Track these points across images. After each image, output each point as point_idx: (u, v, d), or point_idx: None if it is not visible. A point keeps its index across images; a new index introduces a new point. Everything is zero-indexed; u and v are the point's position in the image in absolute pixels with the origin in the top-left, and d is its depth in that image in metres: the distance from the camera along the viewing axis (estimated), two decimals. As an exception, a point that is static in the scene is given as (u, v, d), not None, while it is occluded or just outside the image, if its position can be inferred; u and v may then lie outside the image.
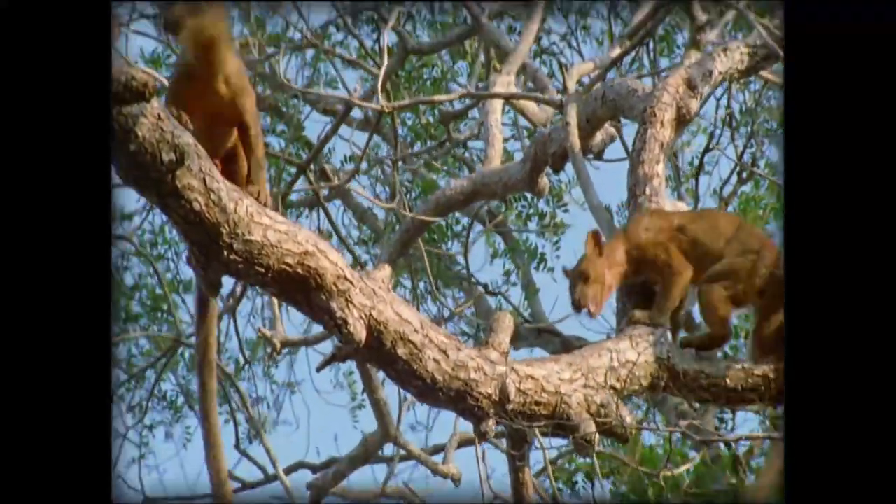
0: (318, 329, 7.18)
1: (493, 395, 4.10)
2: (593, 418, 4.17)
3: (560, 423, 4.15)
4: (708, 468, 7.78)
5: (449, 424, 7.34)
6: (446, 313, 8.36)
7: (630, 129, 5.66)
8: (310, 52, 9.29)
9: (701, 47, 5.72)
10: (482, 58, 8.59)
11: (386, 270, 4.15)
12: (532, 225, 9.11)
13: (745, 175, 9.10)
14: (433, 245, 8.85)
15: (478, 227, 8.82)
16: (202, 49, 3.93)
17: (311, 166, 7.74)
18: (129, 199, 9.42)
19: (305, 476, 8.11)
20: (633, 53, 8.12)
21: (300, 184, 8.23)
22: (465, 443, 7.29)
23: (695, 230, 4.46)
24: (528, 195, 8.64)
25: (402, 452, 7.64)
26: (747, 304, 4.41)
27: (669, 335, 4.39)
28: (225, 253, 3.86)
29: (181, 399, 9.47)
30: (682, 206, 5.09)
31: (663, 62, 8.24)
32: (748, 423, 8.61)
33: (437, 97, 7.53)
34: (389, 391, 7.49)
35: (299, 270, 3.93)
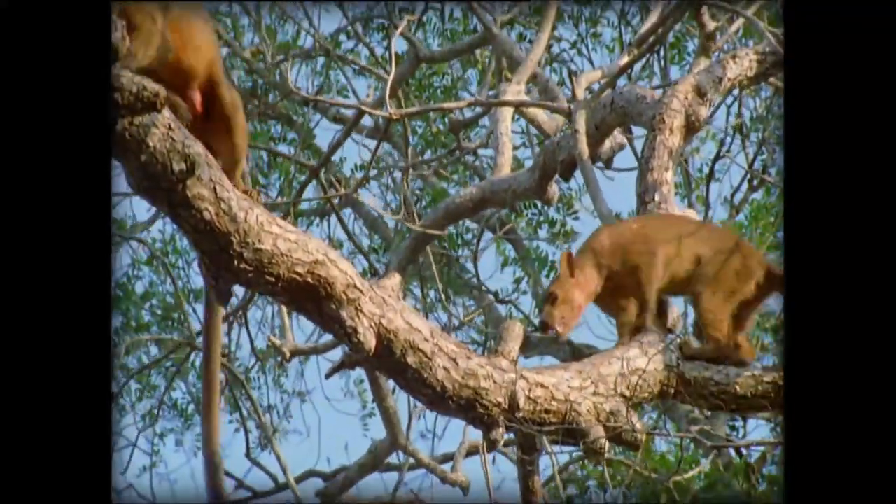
0: (327, 338, 7.21)
1: (503, 404, 4.11)
2: (603, 425, 4.17)
3: (570, 431, 4.16)
4: (720, 475, 7.77)
5: (459, 433, 7.35)
6: (456, 322, 8.37)
7: (641, 138, 5.67)
8: (321, 61, 9.30)
9: (710, 54, 5.72)
10: (493, 66, 8.60)
11: (396, 279, 4.15)
12: (542, 233, 9.12)
13: (755, 182, 9.09)
14: (444, 253, 8.85)
15: (488, 235, 8.83)
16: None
17: (322, 175, 7.74)
18: (139, 208, 9.46)
19: (316, 485, 8.12)
20: (643, 61, 8.13)
21: (311, 192, 8.23)
22: (474, 451, 7.29)
23: (656, 236, 4.46)
24: (538, 203, 8.64)
25: (411, 461, 7.64)
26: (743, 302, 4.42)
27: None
28: (235, 262, 3.87)
29: (191, 407, 9.48)
30: (692, 214, 5.09)
31: (674, 70, 8.25)
32: (759, 430, 8.61)
33: (446, 105, 7.54)
34: (399, 399, 7.50)
35: (309, 279, 3.94)
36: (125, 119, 3.67)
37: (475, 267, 8.22)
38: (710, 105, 5.09)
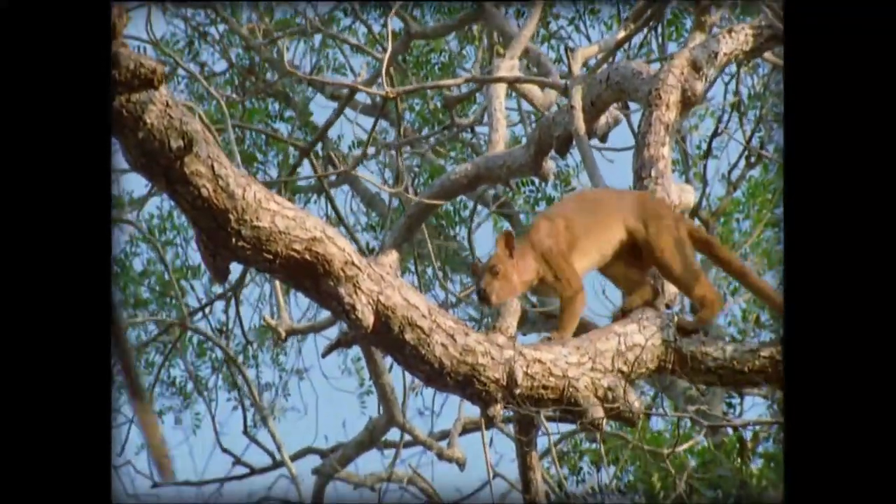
0: (323, 316, 7.21)
1: (501, 380, 4.11)
2: (601, 402, 4.18)
3: (567, 408, 4.17)
4: (714, 454, 7.79)
5: (457, 410, 7.36)
6: (453, 299, 8.38)
7: (637, 113, 5.66)
8: (318, 39, 9.29)
9: (706, 29, 5.71)
10: (485, 42, 8.59)
11: (393, 256, 4.15)
12: (539, 209, 9.11)
13: (753, 159, 9.09)
14: (440, 231, 8.85)
15: (485, 212, 8.83)
16: None
17: (319, 152, 7.74)
18: (137, 184, 9.45)
19: (313, 462, 8.15)
20: (641, 37, 8.12)
21: (309, 170, 8.23)
22: (470, 428, 7.31)
23: (578, 221, 4.45)
24: (535, 180, 8.64)
25: (408, 437, 7.66)
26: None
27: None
28: (233, 239, 3.87)
29: (190, 385, 9.49)
30: (690, 190, 5.08)
31: (672, 46, 8.23)
32: (756, 409, 8.63)
33: (441, 82, 7.53)
34: (396, 376, 7.52)
35: (307, 256, 3.94)
36: (122, 96, 3.66)
37: (469, 242, 8.22)
38: (705, 80, 5.08)
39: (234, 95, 9.33)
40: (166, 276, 9.24)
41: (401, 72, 8.80)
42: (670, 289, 4.54)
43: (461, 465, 7.05)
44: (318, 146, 8.79)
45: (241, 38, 9.29)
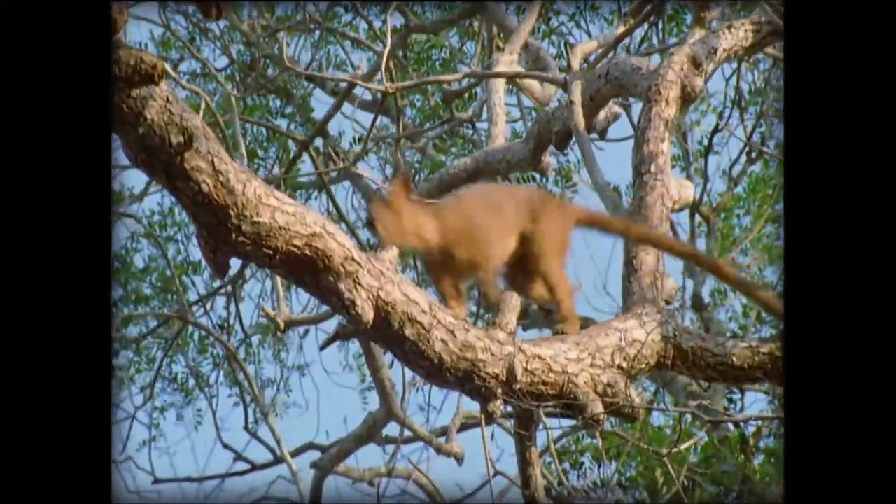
0: (323, 309, 7.21)
1: (501, 376, 4.12)
2: (601, 398, 4.19)
3: (568, 403, 4.17)
4: (716, 449, 7.80)
5: (455, 405, 7.37)
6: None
7: (637, 109, 5.66)
8: (318, 35, 9.28)
9: (705, 25, 5.71)
10: (485, 36, 8.59)
11: (393, 251, 4.16)
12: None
13: (754, 155, 9.09)
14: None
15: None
16: None
17: (320, 148, 7.74)
18: (137, 179, 9.45)
19: (314, 457, 8.16)
20: (641, 32, 8.12)
21: (310, 166, 8.23)
22: (470, 423, 7.32)
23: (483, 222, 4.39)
24: (537, 176, 8.64)
25: (407, 432, 7.67)
26: None
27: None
28: (233, 235, 3.87)
29: (191, 381, 9.50)
30: (689, 186, 5.09)
31: (672, 42, 8.23)
32: (758, 404, 8.63)
33: (440, 77, 7.53)
34: (395, 371, 7.52)
35: (307, 252, 3.94)
36: (123, 92, 3.67)
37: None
38: (705, 75, 5.08)
39: (235, 91, 9.34)
40: (168, 272, 9.25)
41: (401, 68, 8.80)
42: (668, 284, 4.54)
43: (459, 460, 7.06)
44: (319, 142, 8.79)
45: (242, 33, 9.29)
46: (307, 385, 10.96)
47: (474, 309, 8.86)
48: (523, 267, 4.42)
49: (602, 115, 5.71)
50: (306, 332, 9.48)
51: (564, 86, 5.49)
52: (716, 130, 8.80)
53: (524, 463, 4.36)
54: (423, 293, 4.11)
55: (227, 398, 9.54)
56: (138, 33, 8.88)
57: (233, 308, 9.00)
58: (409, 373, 7.46)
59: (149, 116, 3.71)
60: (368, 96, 9.04)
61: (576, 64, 5.64)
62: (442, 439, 7.42)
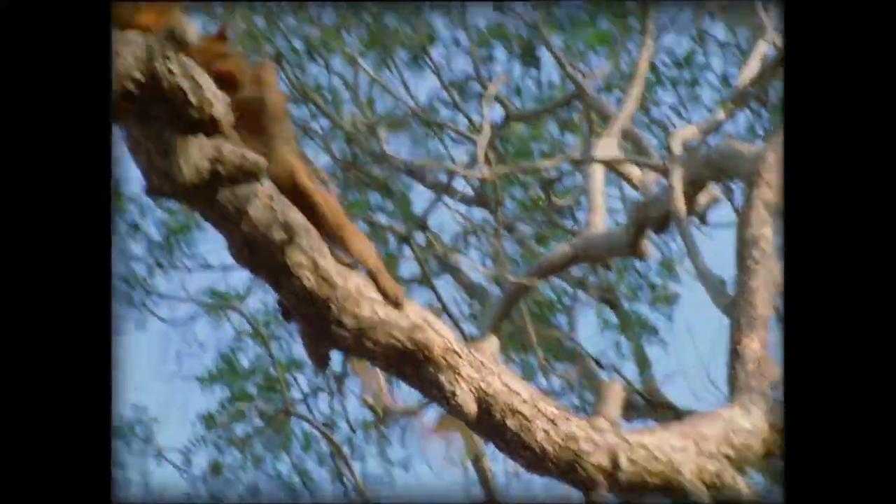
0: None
1: (604, 465, 4.07)
2: (707, 488, 4.11)
3: (673, 494, 4.10)
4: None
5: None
6: (556, 386, 8.33)
7: (739, 192, 5.62)
8: (418, 129, 9.39)
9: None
10: (583, 123, 8.63)
11: (494, 342, 4.16)
12: (643, 296, 9.06)
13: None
14: (542, 318, 8.83)
15: (587, 299, 8.79)
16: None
17: (420, 243, 7.78)
18: (240, 279, 9.59)
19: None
20: (748, 120, 8.09)
21: (409, 258, 8.27)
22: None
23: None
24: (638, 265, 8.60)
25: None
26: None
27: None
28: (334, 328, 3.89)
29: (296, 479, 9.52)
30: None
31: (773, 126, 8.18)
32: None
33: (539, 163, 7.55)
34: (496, 459, 7.47)
35: (408, 344, 3.95)
36: (226, 189, 3.73)
37: (569, 325, 8.14)
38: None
39: (338, 189, 9.46)
40: (272, 371, 9.34)
41: (500, 160, 8.86)
42: (773, 370, 4.47)
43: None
44: (420, 239, 8.86)
45: (343, 131, 9.43)
46: (410, 479, 10.92)
47: (577, 402, 8.80)
48: None
49: (702, 199, 5.68)
50: (407, 423, 9.47)
51: (664, 171, 5.47)
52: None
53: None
54: (525, 383, 4.08)
55: (331, 495, 9.54)
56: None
57: (336, 404, 9.03)
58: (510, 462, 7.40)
59: (252, 214, 3.77)
60: (469, 191, 9.10)
61: (675, 148, 5.63)
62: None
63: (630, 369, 8.89)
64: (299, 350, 9.07)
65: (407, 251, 8.83)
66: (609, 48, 8.85)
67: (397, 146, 9.47)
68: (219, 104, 3.66)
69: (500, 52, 9.41)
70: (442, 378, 3.98)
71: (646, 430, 4.20)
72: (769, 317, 4.68)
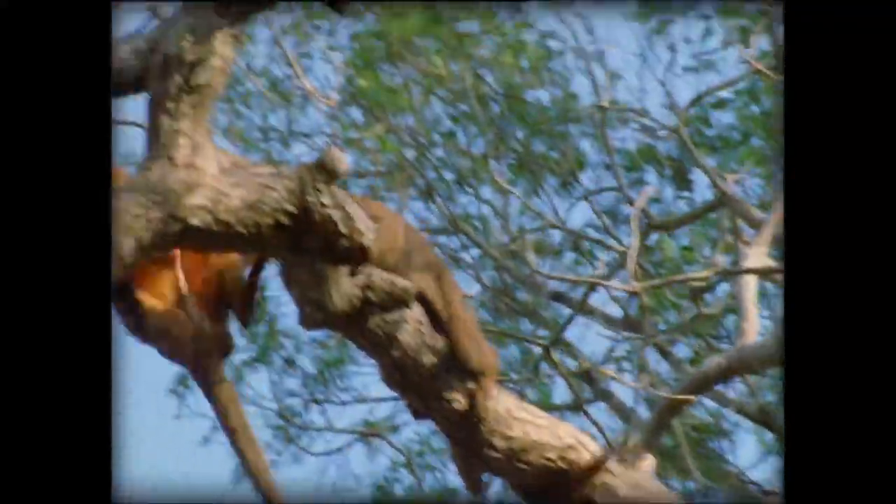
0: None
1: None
2: None
3: None
4: None
5: None
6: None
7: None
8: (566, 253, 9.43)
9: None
10: (729, 229, 8.55)
11: (650, 461, 4.10)
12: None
13: None
14: (699, 443, 8.68)
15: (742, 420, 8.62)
16: None
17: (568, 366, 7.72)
18: (393, 408, 9.64)
19: None
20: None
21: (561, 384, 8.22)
22: None
23: None
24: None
25: None
26: None
27: None
28: (485, 450, 3.89)
29: None
30: None
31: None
32: None
33: (689, 275, 7.48)
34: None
35: (561, 464, 3.93)
36: (376, 316, 3.80)
37: (729, 449, 7.95)
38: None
39: (489, 318, 9.53)
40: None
41: (647, 276, 8.82)
42: None
43: None
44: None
45: (493, 258, 9.51)
46: None
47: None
48: None
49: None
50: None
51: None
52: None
53: None
54: (678, 496, 4.02)
55: None
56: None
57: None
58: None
59: (402, 339, 3.82)
60: (617, 311, 9.06)
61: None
62: None
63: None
64: (454, 479, 9.06)
65: (558, 378, 8.79)
66: (763, 168, 8.82)
67: (546, 266, 9.51)
68: (369, 233, 3.74)
69: (650, 176, 9.46)
70: (597, 498, 3.94)
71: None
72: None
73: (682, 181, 9.29)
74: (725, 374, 6.01)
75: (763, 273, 6.52)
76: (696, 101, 9.01)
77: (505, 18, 9.70)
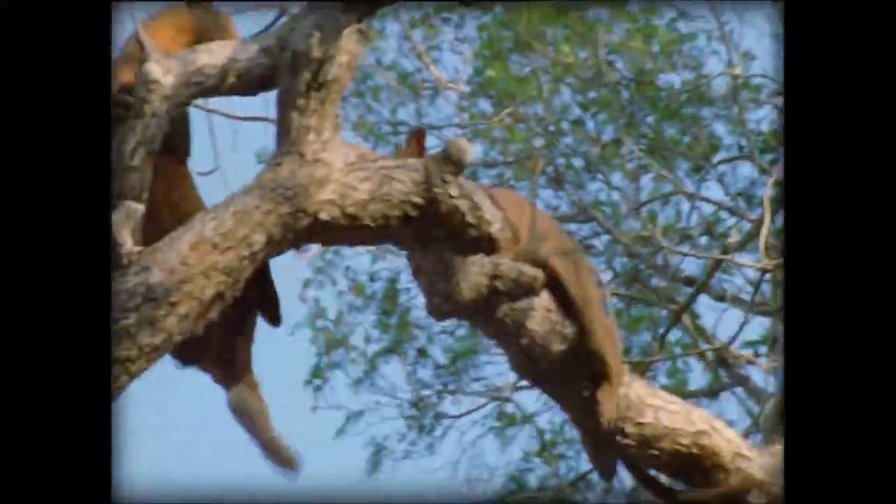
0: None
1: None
2: None
3: None
4: None
5: None
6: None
7: None
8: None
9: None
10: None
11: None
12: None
13: None
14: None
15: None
16: None
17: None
18: (527, 398, 9.65)
19: None
20: None
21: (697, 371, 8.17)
22: None
23: None
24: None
25: None
26: None
27: None
28: (618, 437, 3.88)
29: None
30: None
31: None
32: None
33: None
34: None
35: (694, 450, 3.89)
36: (505, 304, 3.82)
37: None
38: None
39: (621, 304, 9.48)
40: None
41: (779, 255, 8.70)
42: None
43: None
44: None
45: (624, 245, 9.46)
46: None
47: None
48: None
49: None
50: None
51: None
52: None
53: None
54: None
55: None
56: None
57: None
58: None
59: (530, 327, 3.82)
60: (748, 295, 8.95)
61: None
62: None
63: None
64: (587, 467, 9.05)
65: (694, 363, 8.71)
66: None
67: (678, 258, 9.43)
68: (496, 222, 3.75)
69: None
70: (732, 483, 3.90)
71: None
72: None
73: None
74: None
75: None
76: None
77: (634, 3, 9.64)
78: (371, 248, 9.43)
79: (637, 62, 9.60)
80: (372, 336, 10.24)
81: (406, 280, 9.96)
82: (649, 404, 3.89)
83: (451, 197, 3.66)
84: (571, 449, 9.52)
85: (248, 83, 3.74)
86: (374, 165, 3.69)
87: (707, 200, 9.41)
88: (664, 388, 6.56)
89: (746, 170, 9.54)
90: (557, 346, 3.82)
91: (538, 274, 3.81)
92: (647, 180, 9.66)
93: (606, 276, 9.56)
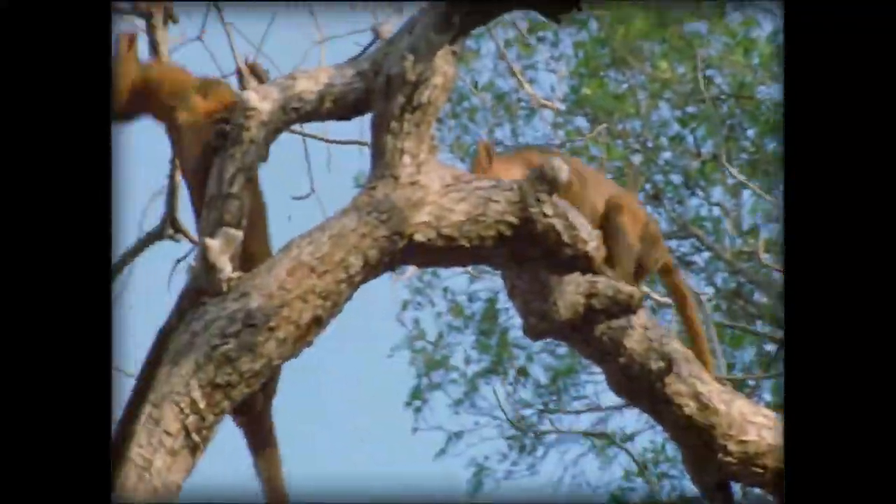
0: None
1: None
2: None
3: None
4: None
5: None
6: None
7: None
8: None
9: None
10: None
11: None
12: None
13: None
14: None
15: None
16: None
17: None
18: (629, 418, 9.58)
19: None
20: None
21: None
22: None
23: None
24: None
25: None
26: None
27: None
28: (719, 455, 3.84)
29: None
30: None
31: None
32: None
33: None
34: None
35: (800, 467, 3.84)
36: (602, 323, 3.80)
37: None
38: None
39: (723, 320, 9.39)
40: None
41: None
42: None
43: None
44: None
45: (725, 261, 9.36)
46: None
47: None
48: None
49: None
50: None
51: None
52: None
53: None
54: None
55: None
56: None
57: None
58: None
59: (628, 345, 3.80)
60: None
61: None
62: None
63: None
64: (690, 487, 8.97)
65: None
66: None
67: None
68: (592, 241, 3.75)
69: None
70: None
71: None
72: None
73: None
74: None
75: None
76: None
77: (733, 17, 9.56)
78: (467, 268, 9.45)
79: (737, 76, 9.51)
80: (471, 357, 10.26)
81: (504, 300, 9.96)
82: (752, 421, 3.85)
83: (545, 216, 3.66)
84: (675, 469, 9.43)
85: (344, 107, 3.78)
86: (470, 186, 3.70)
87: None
88: (768, 405, 6.48)
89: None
90: (656, 364, 3.80)
91: (635, 291, 3.79)
92: (748, 195, 9.54)
93: (708, 292, 9.47)
